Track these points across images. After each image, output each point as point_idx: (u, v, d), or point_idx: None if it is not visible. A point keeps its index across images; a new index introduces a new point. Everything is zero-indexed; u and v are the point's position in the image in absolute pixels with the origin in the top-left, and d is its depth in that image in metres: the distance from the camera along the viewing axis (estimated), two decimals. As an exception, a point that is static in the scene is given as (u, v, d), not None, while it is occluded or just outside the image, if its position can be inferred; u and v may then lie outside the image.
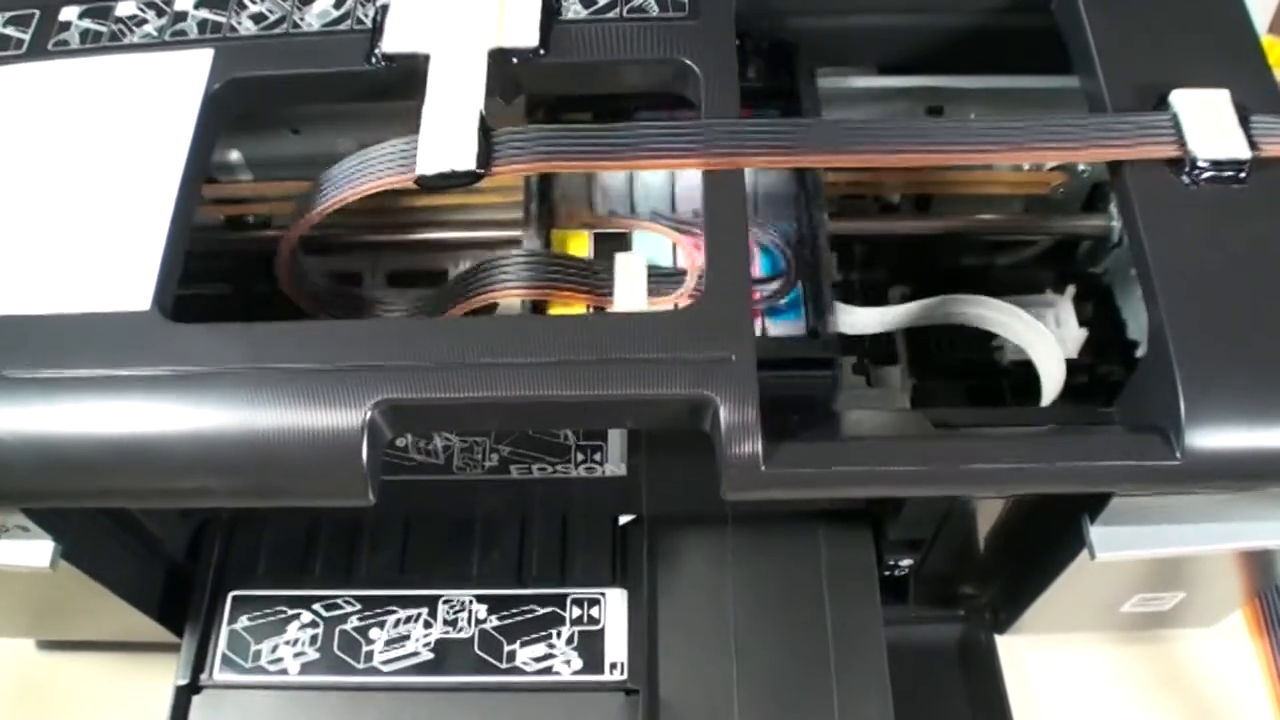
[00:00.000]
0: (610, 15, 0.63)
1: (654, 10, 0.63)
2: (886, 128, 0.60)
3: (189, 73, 0.62)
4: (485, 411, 0.52)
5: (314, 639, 0.68)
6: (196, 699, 0.67)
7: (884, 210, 0.75)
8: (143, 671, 0.81)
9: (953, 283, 0.69)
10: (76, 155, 0.60)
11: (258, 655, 0.68)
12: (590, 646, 0.67)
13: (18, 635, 0.83)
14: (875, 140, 0.58)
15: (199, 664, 0.68)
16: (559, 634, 0.67)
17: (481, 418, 0.53)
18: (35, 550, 0.61)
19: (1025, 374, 0.69)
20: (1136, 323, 0.71)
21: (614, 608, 0.68)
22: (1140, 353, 0.65)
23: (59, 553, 0.61)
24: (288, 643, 0.68)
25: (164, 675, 0.69)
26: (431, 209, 0.75)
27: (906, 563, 0.73)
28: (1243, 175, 0.56)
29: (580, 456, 0.70)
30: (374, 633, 0.68)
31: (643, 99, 0.68)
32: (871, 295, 0.74)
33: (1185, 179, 0.56)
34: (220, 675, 0.67)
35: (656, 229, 0.65)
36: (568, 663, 0.67)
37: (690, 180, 0.65)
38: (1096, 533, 0.59)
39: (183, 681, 0.67)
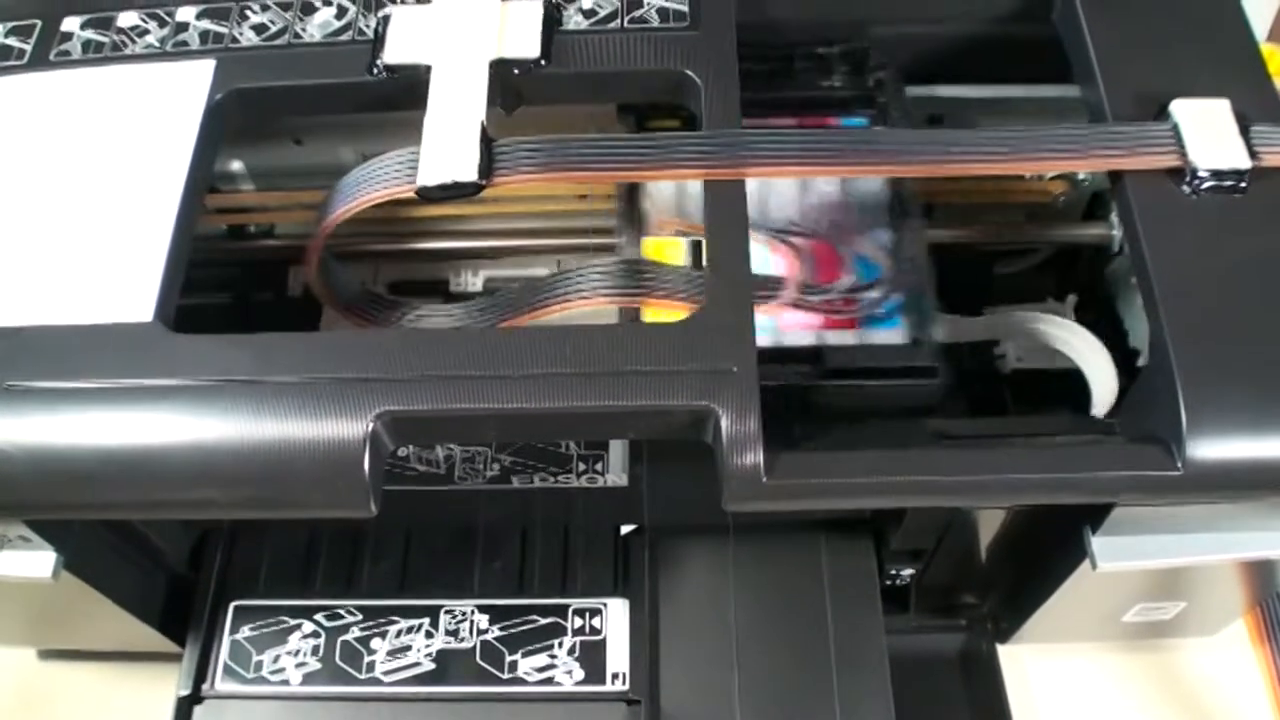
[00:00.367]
0: (611, 26, 0.63)
1: (655, 21, 0.63)
2: (889, 137, 0.60)
3: (191, 83, 0.62)
4: (487, 423, 0.52)
5: (316, 649, 0.68)
6: (198, 709, 0.67)
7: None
8: (144, 681, 0.81)
9: (956, 291, 0.69)
10: (78, 166, 0.60)
11: (259, 665, 0.68)
12: (592, 657, 0.67)
13: (19, 644, 0.83)
14: (878, 150, 0.58)
15: (200, 674, 0.68)
16: (561, 644, 0.67)
17: (483, 429, 0.53)
18: (37, 561, 0.61)
19: (1026, 382, 0.69)
20: (1137, 332, 0.71)
21: (615, 618, 0.68)
22: (1141, 362, 0.65)
23: (60, 563, 0.61)
24: (289, 653, 0.68)
25: (165, 685, 0.68)
26: (434, 219, 0.76)
27: (908, 572, 0.73)
28: (1243, 185, 0.56)
29: (582, 466, 0.70)
30: (375, 643, 0.68)
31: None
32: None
33: (1186, 188, 0.56)
34: (222, 685, 0.67)
35: (752, 236, 0.62)
36: (569, 673, 0.66)
37: (783, 187, 0.64)
38: (1098, 543, 0.59)
39: (184, 692, 0.67)
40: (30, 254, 0.57)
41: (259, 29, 0.64)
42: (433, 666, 0.67)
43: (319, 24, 0.64)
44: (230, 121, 0.63)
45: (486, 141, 0.57)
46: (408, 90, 0.60)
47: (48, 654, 0.84)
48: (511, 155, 0.57)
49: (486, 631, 0.68)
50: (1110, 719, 0.79)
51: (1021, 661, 0.80)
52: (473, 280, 0.76)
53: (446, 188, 0.56)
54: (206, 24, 0.64)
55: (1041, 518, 0.63)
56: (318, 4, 0.65)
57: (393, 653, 0.68)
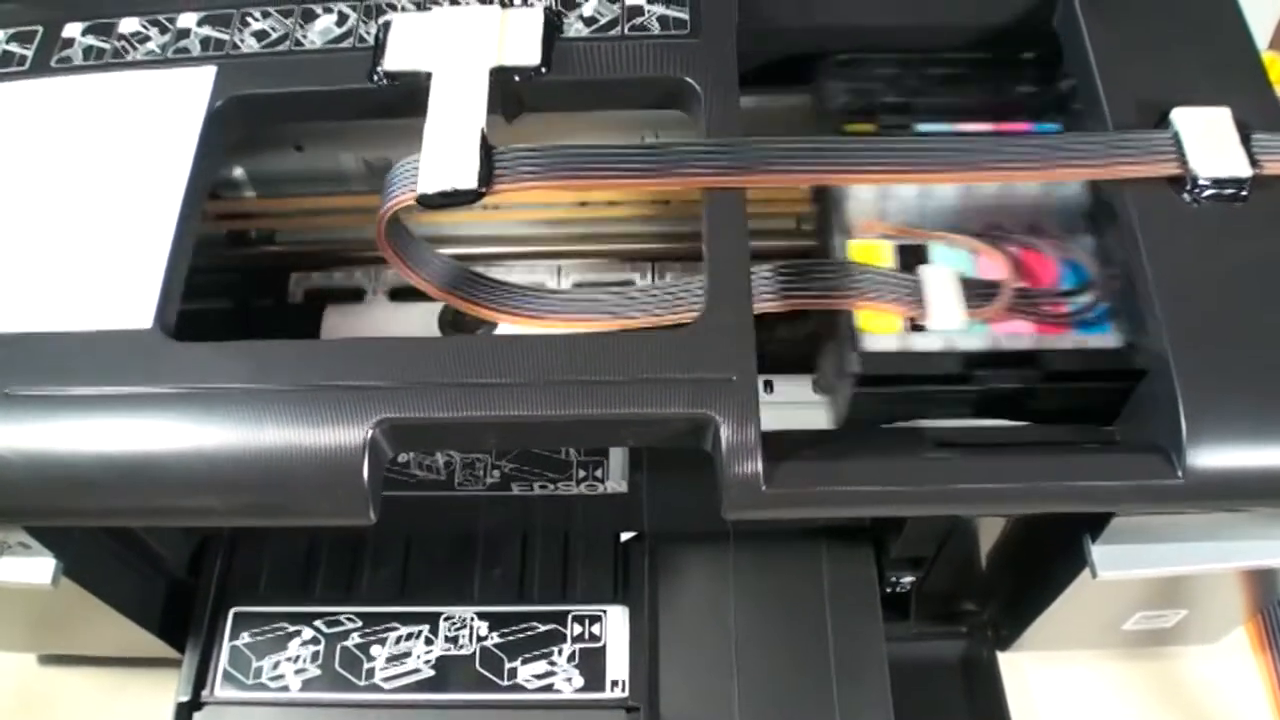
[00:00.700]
0: (612, 33, 0.63)
1: (655, 28, 0.63)
2: (890, 147, 0.59)
3: (191, 90, 0.62)
4: (486, 430, 0.52)
5: (315, 655, 0.68)
6: (198, 715, 0.67)
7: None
8: (144, 687, 0.81)
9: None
10: (79, 173, 0.60)
11: (259, 672, 0.68)
12: (591, 664, 0.67)
13: (19, 650, 0.83)
14: (879, 159, 0.58)
15: (200, 680, 0.68)
16: (560, 651, 0.67)
17: (483, 436, 0.53)
18: (37, 567, 0.61)
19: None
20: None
21: (615, 625, 0.68)
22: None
23: (60, 570, 0.61)
24: (289, 659, 0.68)
25: (165, 691, 0.69)
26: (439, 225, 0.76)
27: (909, 579, 0.73)
28: (1244, 193, 0.56)
29: (581, 474, 0.70)
30: (375, 650, 0.68)
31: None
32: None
33: (1186, 197, 0.56)
34: (222, 691, 0.67)
35: (959, 240, 0.61)
36: (569, 680, 0.67)
37: (984, 191, 0.62)
38: (1098, 551, 0.59)
39: (184, 698, 0.67)
40: (30, 260, 0.57)
41: (260, 36, 0.64)
42: (432, 673, 0.67)
43: (320, 31, 0.64)
44: (231, 128, 0.63)
45: (486, 149, 0.57)
46: (408, 97, 0.60)
47: (48, 659, 0.84)
48: (511, 163, 0.56)
49: (486, 638, 0.68)
50: (1111, 727, 0.79)
51: (1022, 669, 0.80)
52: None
53: (446, 195, 0.55)
54: (207, 30, 0.64)
55: (1042, 526, 0.63)
56: (319, 11, 0.65)
57: (392, 659, 0.68)
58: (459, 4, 0.64)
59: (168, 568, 0.73)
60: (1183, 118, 0.58)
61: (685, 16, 0.63)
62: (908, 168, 0.58)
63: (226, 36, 0.64)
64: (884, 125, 0.64)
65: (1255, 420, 0.51)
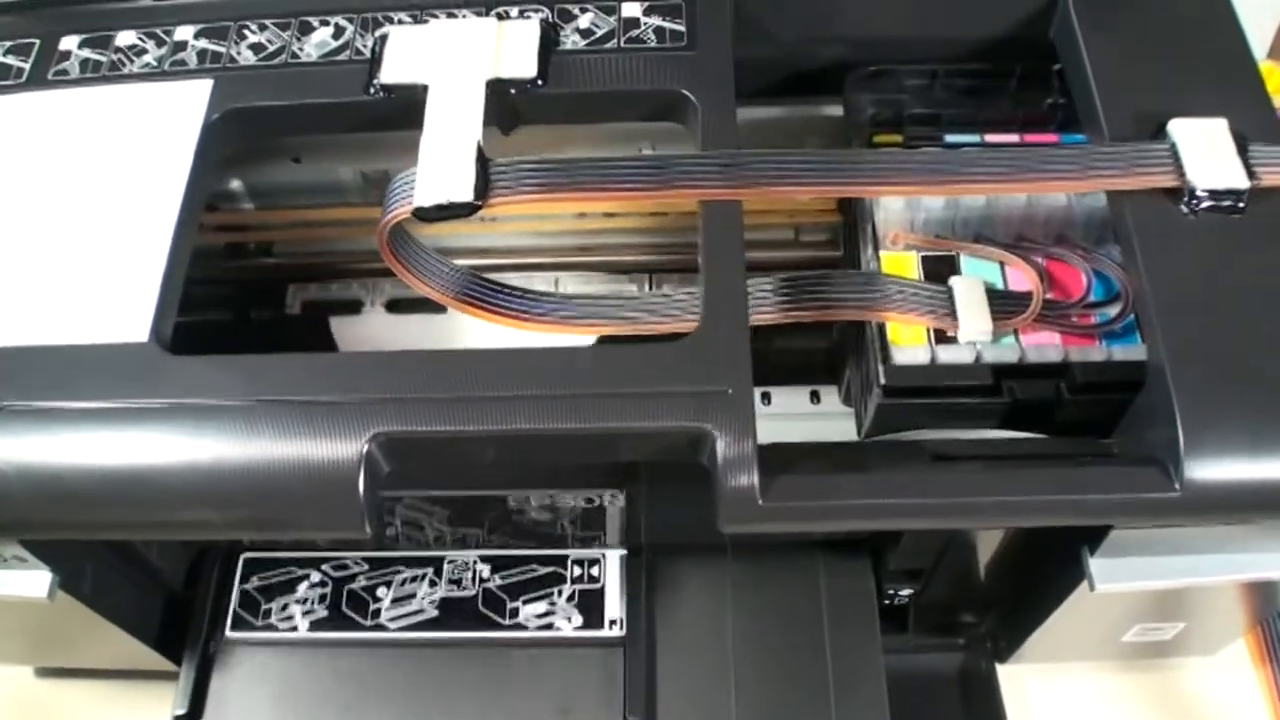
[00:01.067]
0: (608, 46, 0.63)
1: (652, 41, 0.63)
2: (886, 159, 0.59)
3: (188, 103, 0.62)
4: (483, 444, 0.52)
5: (323, 598, 0.71)
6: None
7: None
8: (141, 699, 0.81)
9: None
10: (75, 186, 0.60)
11: (268, 613, 0.70)
12: (590, 603, 0.69)
13: (16, 662, 0.83)
14: (875, 172, 0.58)
15: (198, 693, 0.68)
16: (560, 592, 0.70)
17: (479, 450, 0.53)
18: (33, 581, 0.61)
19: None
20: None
21: (613, 568, 0.70)
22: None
23: (56, 583, 0.61)
24: (298, 601, 0.71)
25: (162, 704, 0.69)
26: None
27: (907, 591, 0.73)
28: (1241, 205, 0.56)
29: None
30: (381, 591, 0.71)
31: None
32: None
33: (1183, 208, 0.56)
34: (232, 632, 0.70)
35: (987, 251, 0.61)
36: (569, 619, 0.69)
37: (1010, 202, 0.62)
38: (1096, 564, 0.59)
39: (180, 711, 0.67)
40: (26, 273, 0.57)
41: (256, 49, 0.64)
42: (436, 613, 0.70)
43: (316, 44, 0.64)
44: (227, 141, 0.63)
45: (482, 161, 0.57)
46: (405, 110, 0.60)
47: (45, 672, 0.84)
48: (508, 176, 0.56)
49: (488, 580, 0.70)
50: (1110, 739, 0.79)
51: (1021, 681, 0.80)
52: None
53: (443, 208, 0.55)
54: (204, 43, 0.64)
55: (1040, 538, 0.63)
56: (315, 24, 0.65)
57: (397, 600, 0.70)
58: (455, 17, 0.64)
59: (164, 581, 0.73)
60: (1180, 129, 0.58)
61: (682, 29, 0.63)
62: (906, 180, 0.58)
63: (223, 49, 0.64)
64: (912, 137, 0.65)
65: (1253, 433, 0.51)
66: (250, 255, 0.80)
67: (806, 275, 0.59)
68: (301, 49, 0.64)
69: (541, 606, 0.69)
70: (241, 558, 0.72)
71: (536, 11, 0.64)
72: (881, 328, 0.59)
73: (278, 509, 0.52)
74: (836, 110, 0.70)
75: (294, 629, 0.70)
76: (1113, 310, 0.59)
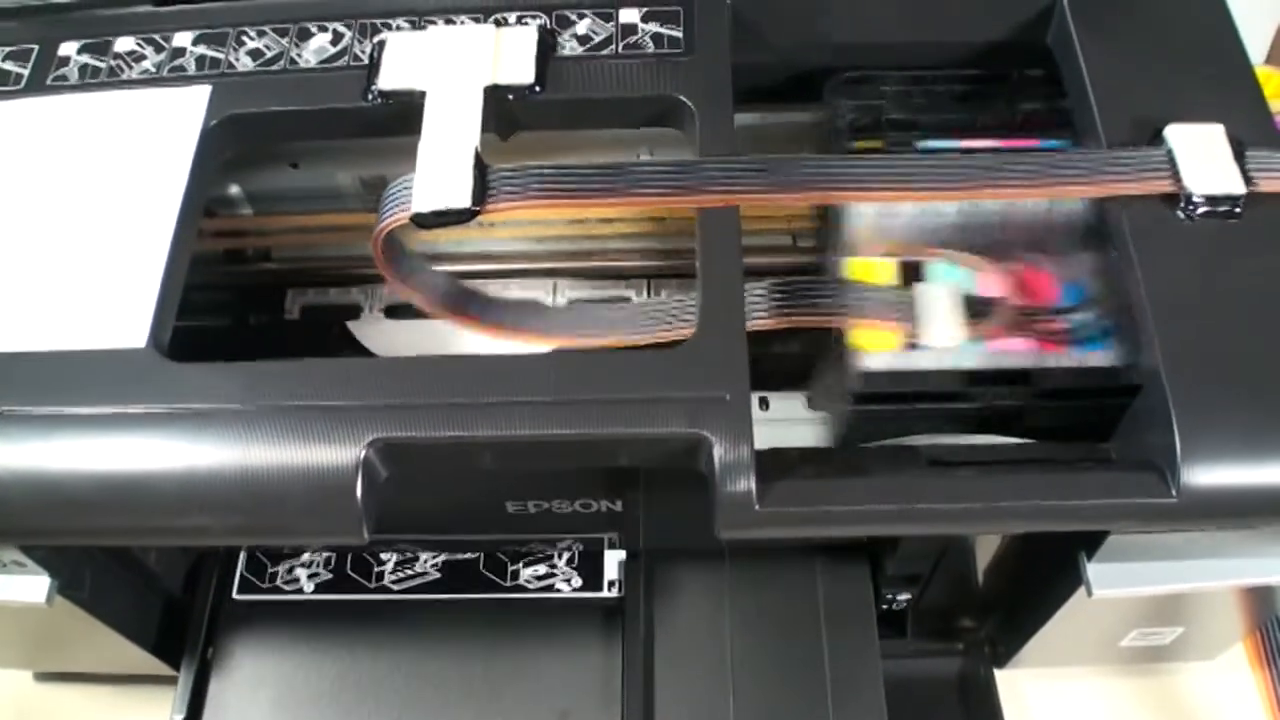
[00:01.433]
0: (606, 52, 0.63)
1: (649, 47, 0.63)
2: (883, 164, 0.59)
3: (187, 109, 0.62)
4: (481, 450, 0.52)
5: (328, 561, 0.71)
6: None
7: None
8: (140, 704, 0.81)
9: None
10: (74, 192, 0.60)
11: (274, 576, 0.71)
12: (589, 566, 0.70)
13: (15, 667, 0.83)
14: (869, 178, 0.58)
15: (196, 698, 0.68)
16: (560, 555, 0.71)
17: (477, 456, 0.53)
18: (31, 586, 0.61)
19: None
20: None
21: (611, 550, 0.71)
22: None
23: (55, 588, 0.61)
24: (303, 565, 0.71)
25: (162, 708, 0.69)
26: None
27: (905, 596, 0.73)
28: (1238, 210, 0.56)
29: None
30: (385, 555, 0.72)
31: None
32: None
33: (1180, 214, 0.56)
34: (240, 595, 0.71)
35: (960, 257, 0.61)
36: (568, 581, 0.70)
37: (987, 208, 0.63)
38: (1094, 569, 0.59)
39: (179, 716, 0.67)
40: (25, 279, 0.57)
41: (255, 55, 0.64)
42: (438, 576, 0.71)
43: (314, 50, 0.64)
44: (226, 146, 0.63)
45: (480, 168, 0.57)
46: (403, 116, 0.60)
47: (44, 676, 0.84)
48: (505, 182, 0.56)
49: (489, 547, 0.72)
50: (1109, 743, 0.79)
51: (1019, 686, 0.80)
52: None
53: (441, 214, 0.55)
54: (203, 49, 0.64)
55: (1037, 543, 0.63)
56: (314, 30, 0.65)
57: (400, 563, 0.71)
58: (453, 23, 0.64)
59: (163, 586, 0.73)
60: (1177, 135, 0.58)
61: (679, 35, 0.63)
62: (895, 185, 0.58)
63: (222, 55, 0.64)
64: (891, 142, 0.65)
65: (1249, 438, 0.51)
66: (249, 261, 0.80)
67: (798, 280, 0.59)
68: (300, 55, 0.64)
69: (541, 569, 0.70)
70: None
71: (534, 18, 0.64)
72: (848, 334, 0.59)
73: (275, 515, 0.52)
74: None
75: (300, 590, 0.71)
76: (1083, 316, 0.59)
